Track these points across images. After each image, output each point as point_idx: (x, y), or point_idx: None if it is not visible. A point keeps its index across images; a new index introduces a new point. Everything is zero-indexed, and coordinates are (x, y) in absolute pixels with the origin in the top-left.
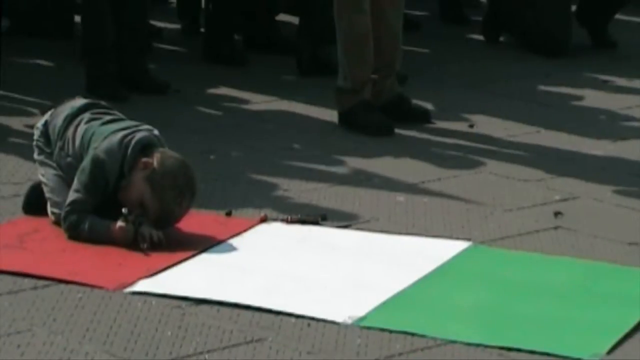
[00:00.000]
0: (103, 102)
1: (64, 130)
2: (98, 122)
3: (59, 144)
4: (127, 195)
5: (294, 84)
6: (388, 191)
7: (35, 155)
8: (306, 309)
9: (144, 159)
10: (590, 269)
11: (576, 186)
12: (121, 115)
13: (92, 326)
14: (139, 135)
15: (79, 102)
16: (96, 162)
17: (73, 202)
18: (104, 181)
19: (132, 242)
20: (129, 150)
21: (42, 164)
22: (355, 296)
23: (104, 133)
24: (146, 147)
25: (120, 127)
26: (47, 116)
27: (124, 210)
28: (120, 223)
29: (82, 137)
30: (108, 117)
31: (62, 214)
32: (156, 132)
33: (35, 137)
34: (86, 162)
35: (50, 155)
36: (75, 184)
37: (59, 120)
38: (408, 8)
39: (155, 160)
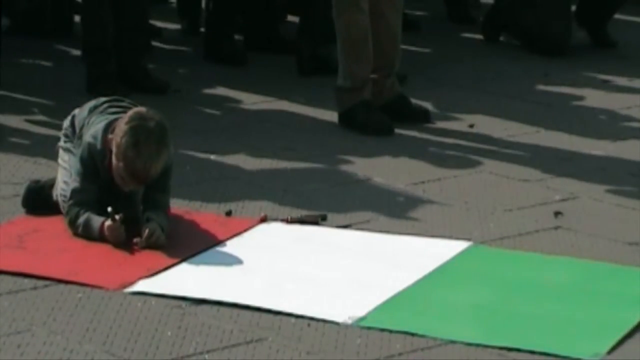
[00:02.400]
0: (128, 100)
1: (86, 120)
2: (105, 112)
3: (81, 133)
4: (114, 175)
5: (294, 84)
6: (388, 191)
7: (61, 143)
8: (306, 309)
9: (109, 136)
10: (590, 269)
11: (576, 186)
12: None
13: (92, 326)
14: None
15: (106, 97)
16: (84, 147)
17: (72, 192)
18: (92, 164)
19: (123, 240)
20: (107, 132)
21: (66, 150)
22: (355, 296)
23: (97, 121)
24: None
25: (116, 116)
26: (77, 109)
27: (109, 209)
28: (108, 223)
29: (90, 126)
30: (119, 110)
31: (65, 206)
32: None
33: (65, 125)
34: (79, 149)
35: (75, 145)
36: (73, 173)
37: (85, 112)
38: (408, 8)
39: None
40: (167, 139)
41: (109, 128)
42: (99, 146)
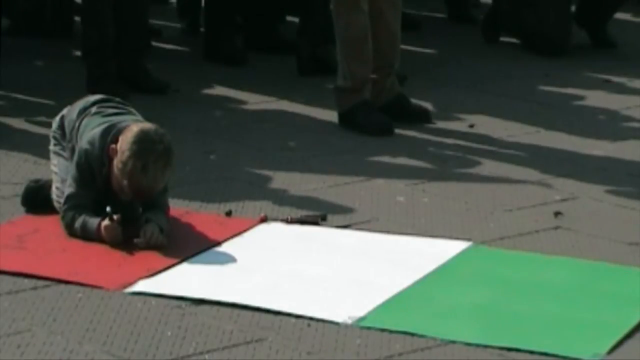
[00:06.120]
0: (117, 98)
1: (77, 123)
2: (98, 115)
3: (72, 135)
4: (112, 183)
5: (294, 84)
6: (388, 191)
7: (51, 146)
8: (306, 309)
9: (112, 146)
10: (590, 269)
11: (576, 186)
12: (131, 110)
13: (92, 326)
14: (118, 126)
15: (94, 97)
16: (80, 153)
17: (67, 198)
18: (89, 171)
19: (121, 240)
20: (107, 140)
21: (56, 154)
22: (355, 296)
23: (91, 125)
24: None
25: (111, 119)
26: (65, 110)
27: (108, 208)
28: (105, 222)
29: (83, 130)
30: (111, 111)
31: (60, 212)
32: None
33: (53, 128)
34: (75, 155)
35: (64, 148)
36: (68, 178)
37: (74, 114)
38: (408, 7)
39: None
40: (173, 161)
41: (107, 135)
42: (96, 152)
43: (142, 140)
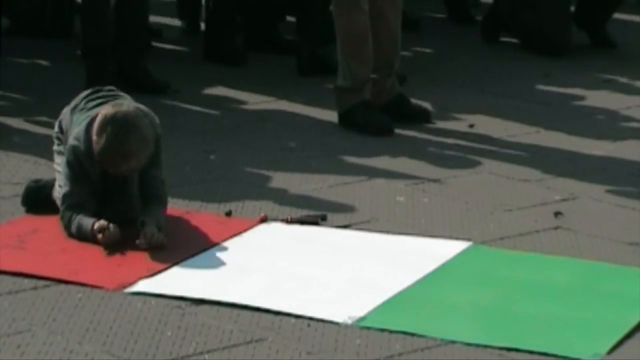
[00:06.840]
0: (107, 87)
1: (70, 120)
2: (84, 110)
3: (68, 134)
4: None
5: (294, 84)
6: (388, 191)
7: (54, 147)
8: (306, 309)
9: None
10: (590, 269)
11: (576, 186)
12: (120, 94)
13: (92, 326)
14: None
15: (85, 92)
16: (69, 151)
17: (63, 197)
18: (79, 166)
19: (115, 242)
20: (91, 133)
21: (58, 153)
22: (355, 296)
23: (78, 121)
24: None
25: (94, 111)
26: (64, 109)
27: (96, 225)
28: (99, 236)
29: (73, 127)
30: (96, 102)
31: (59, 211)
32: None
33: (55, 129)
34: (65, 153)
35: (64, 147)
36: (62, 177)
37: (69, 113)
38: (408, 7)
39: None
40: (138, 116)
41: (90, 127)
42: (82, 147)
43: (102, 130)
